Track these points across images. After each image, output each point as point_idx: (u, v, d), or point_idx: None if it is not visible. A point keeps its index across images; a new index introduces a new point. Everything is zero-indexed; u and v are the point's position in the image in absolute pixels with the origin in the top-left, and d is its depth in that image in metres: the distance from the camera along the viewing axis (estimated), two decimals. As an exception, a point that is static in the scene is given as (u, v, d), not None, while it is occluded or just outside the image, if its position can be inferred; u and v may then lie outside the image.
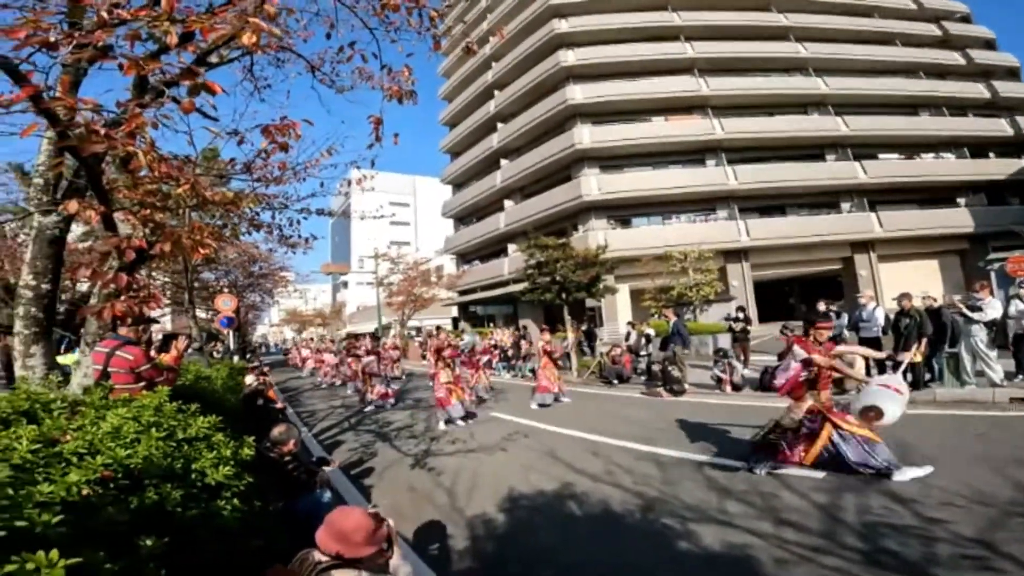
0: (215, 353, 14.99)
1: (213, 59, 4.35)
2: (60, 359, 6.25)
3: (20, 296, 3.95)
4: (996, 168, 27.51)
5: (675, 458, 5.40)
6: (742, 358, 10.30)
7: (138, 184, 3.51)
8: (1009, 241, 21.23)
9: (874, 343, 8.48)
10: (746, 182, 25.63)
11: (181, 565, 1.41)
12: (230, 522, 1.77)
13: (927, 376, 7.80)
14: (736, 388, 9.12)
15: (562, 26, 28.64)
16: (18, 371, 3.86)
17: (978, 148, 28.34)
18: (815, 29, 29.57)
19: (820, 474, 4.44)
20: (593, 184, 25.86)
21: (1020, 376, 7.55)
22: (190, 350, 7.69)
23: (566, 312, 14.48)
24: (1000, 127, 28.42)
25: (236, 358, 14.47)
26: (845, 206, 26.88)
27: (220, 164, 6.66)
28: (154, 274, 12.69)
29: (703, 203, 26.60)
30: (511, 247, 29.61)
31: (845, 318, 9.05)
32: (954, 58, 30.41)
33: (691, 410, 7.86)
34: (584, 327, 18.28)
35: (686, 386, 9.39)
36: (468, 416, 8.26)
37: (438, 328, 11.55)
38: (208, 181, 5.78)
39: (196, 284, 15.22)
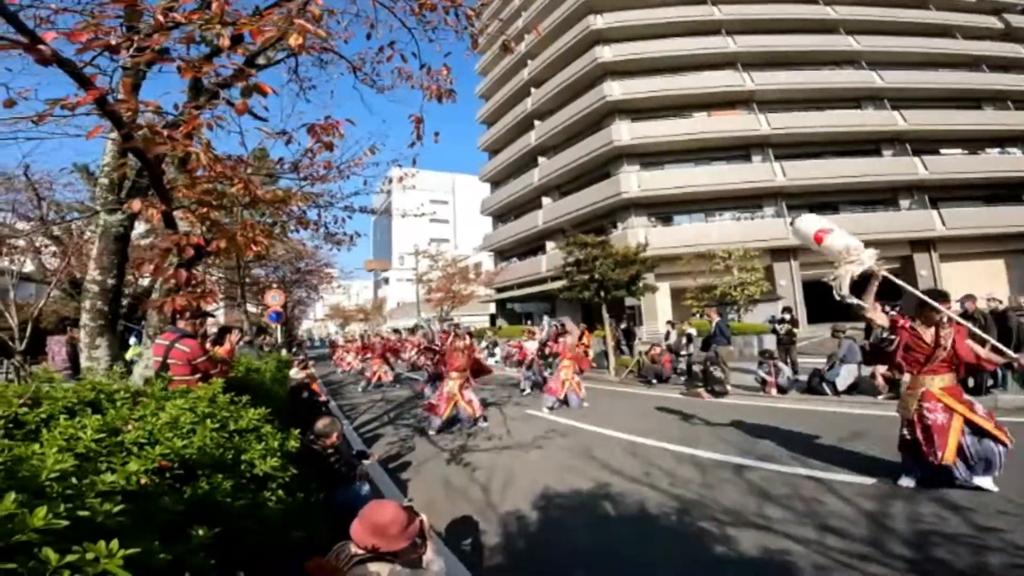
0: (264, 346, 15.64)
1: (260, 61, 4.51)
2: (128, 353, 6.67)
3: (87, 290, 4.23)
4: (1067, 162, 25.39)
5: (715, 460, 5.27)
6: (788, 361, 9.89)
7: (196, 183, 3.69)
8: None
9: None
10: (795, 178, 24.60)
11: (228, 554, 1.47)
12: (274, 513, 1.84)
13: (990, 382, 7.30)
14: (781, 391, 8.80)
15: (597, 22, 28.25)
16: (84, 362, 4.14)
17: (1047, 142, 26.28)
18: (866, 21, 28.21)
19: (870, 480, 4.24)
20: (633, 181, 25.41)
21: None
22: (242, 343, 8.04)
23: (604, 311, 14.32)
24: None
25: (283, 351, 15.04)
26: (904, 203, 25.42)
27: (269, 164, 6.92)
28: (210, 270, 13.31)
29: (748, 200, 25.70)
30: (549, 244, 29.51)
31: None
32: (1017, 51, 28.46)
33: (733, 412, 7.64)
34: (623, 326, 18.03)
35: (728, 387, 9.12)
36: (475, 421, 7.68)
37: (456, 326, 11.44)
38: (259, 180, 6.02)
39: (247, 280, 15.86)
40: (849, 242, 4.16)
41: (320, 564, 1.80)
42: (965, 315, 7.25)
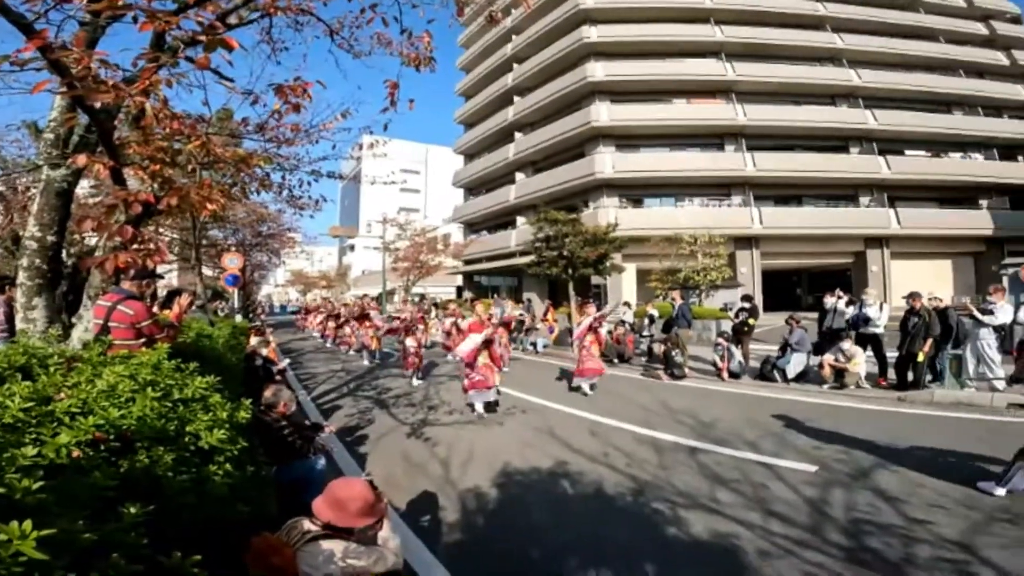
0: (219, 311, 15.10)
1: (232, 20, 4.22)
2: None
3: (25, 247, 3.94)
4: (1024, 171, 26.77)
5: (671, 443, 5.42)
6: (740, 348, 10.05)
7: (149, 140, 3.47)
8: (1027, 246, 20.76)
9: (874, 340, 8.41)
10: (764, 169, 25.14)
11: (166, 533, 1.39)
12: (220, 488, 1.75)
13: (929, 376, 7.74)
14: (734, 376, 9.09)
15: (587, 1, 27.80)
16: (19, 324, 3.88)
17: (1008, 150, 27.47)
18: (853, 20, 28.53)
19: (813, 468, 4.44)
20: (607, 162, 25.51)
21: (1021, 382, 7.49)
22: (194, 307, 7.72)
23: (571, 288, 14.42)
24: None
25: (239, 317, 14.58)
26: (864, 200, 26.36)
27: (233, 124, 6.61)
28: (161, 230, 12.69)
29: (718, 188, 26.21)
30: (520, 220, 29.46)
31: (851, 311, 8.94)
32: (997, 58, 29.31)
33: (689, 395, 7.88)
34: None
35: (686, 371, 9.38)
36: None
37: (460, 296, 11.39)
38: (221, 140, 5.73)
39: (204, 241, 15.22)
40: None
41: (267, 540, 1.73)
42: (911, 311, 7.65)
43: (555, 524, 3.60)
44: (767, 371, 8.90)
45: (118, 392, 2.05)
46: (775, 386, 8.49)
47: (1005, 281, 14.09)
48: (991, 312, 7.32)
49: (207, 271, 17.72)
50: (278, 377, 5.92)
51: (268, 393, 3.67)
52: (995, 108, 28.39)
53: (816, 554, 3.02)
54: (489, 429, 6.12)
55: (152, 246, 3.09)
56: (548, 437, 5.73)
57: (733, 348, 9.33)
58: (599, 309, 8.93)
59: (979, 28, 30.26)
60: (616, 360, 11.42)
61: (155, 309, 4.43)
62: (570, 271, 13.90)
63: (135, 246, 2.80)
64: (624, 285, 24.15)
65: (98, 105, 2.69)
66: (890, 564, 2.88)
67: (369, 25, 4.36)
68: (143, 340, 3.36)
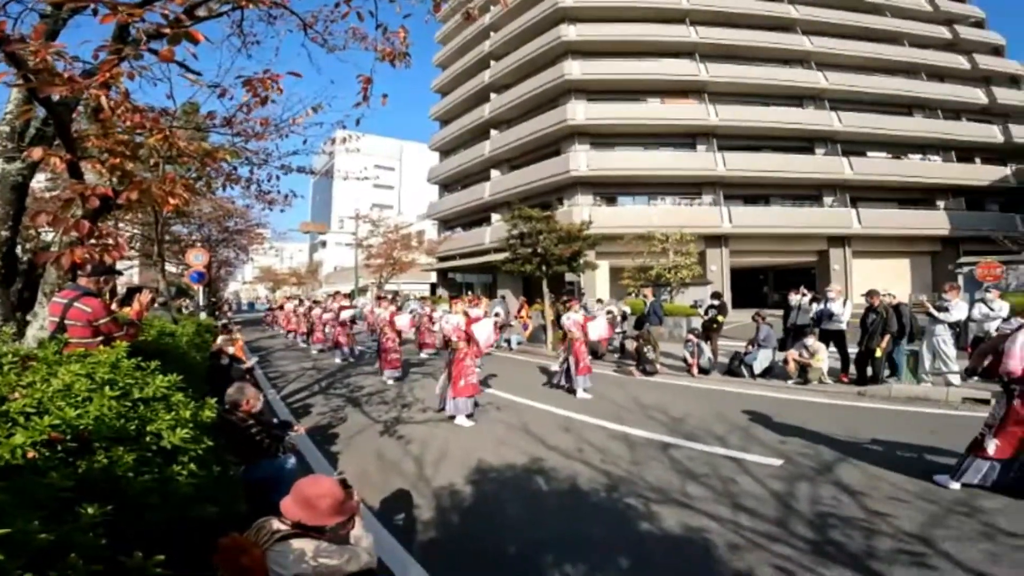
0: (183, 309, 14.64)
1: (201, 12, 4.09)
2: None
3: (-24, 242, 3.75)
4: (980, 174, 27.95)
5: (644, 438, 5.51)
6: (709, 344, 10.29)
7: (109, 133, 3.36)
8: (981, 246, 21.73)
9: (838, 336, 8.72)
10: (734, 169, 25.71)
11: (127, 533, 1.35)
12: (184, 488, 1.71)
13: (887, 372, 8.07)
14: (703, 371, 9.30)
15: (566, 0, 27.91)
16: (-30, 320, 3.69)
17: (966, 152, 28.66)
18: (822, 23, 29.23)
19: (778, 461, 4.58)
20: (582, 160, 25.72)
21: (975, 377, 7.84)
22: (156, 304, 7.47)
23: (545, 285, 14.49)
24: (991, 133, 28.63)
25: (203, 315, 14.16)
26: (828, 200, 27.21)
27: (199, 118, 6.42)
28: (122, 225, 12.23)
29: (689, 187, 26.68)
30: (494, 217, 29.43)
31: (815, 308, 9.25)
32: (958, 61, 30.31)
33: (661, 391, 8.02)
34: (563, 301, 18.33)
35: (658, 367, 9.54)
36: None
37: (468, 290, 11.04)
38: (186, 134, 5.56)
39: (167, 237, 14.73)
40: None
41: (235, 540, 1.69)
42: (870, 308, 7.96)
43: (530, 521, 3.62)
44: (735, 367, 9.13)
45: (75, 391, 1.98)
46: (743, 381, 8.71)
47: (960, 280, 14.76)
48: (946, 309, 7.63)
49: (171, 268, 17.16)
50: (246, 376, 5.78)
51: (232, 391, 3.59)
52: (954, 111, 29.53)
53: (783, 547, 3.10)
54: (463, 426, 6.10)
55: (111, 241, 3.00)
56: (522, 434, 5.76)
57: (703, 344, 9.54)
58: (571, 308, 8.96)
59: (943, 32, 31.17)
60: (590, 357, 11.51)
61: (115, 306, 4.28)
62: (544, 268, 13.96)
63: (92, 241, 2.71)
64: (598, 282, 24.40)
65: (56, 97, 2.60)
66: (853, 557, 2.97)
67: (344, 19, 4.30)
68: (101, 338, 3.24)
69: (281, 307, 23.41)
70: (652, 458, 4.85)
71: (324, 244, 67.33)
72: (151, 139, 3.27)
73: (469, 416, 6.27)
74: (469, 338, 6.51)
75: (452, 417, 6.26)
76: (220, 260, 24.63)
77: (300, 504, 1.88)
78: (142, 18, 2.68)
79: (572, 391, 7.91)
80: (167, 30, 2.30)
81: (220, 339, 7.33)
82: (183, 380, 2.57)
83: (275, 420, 4.49)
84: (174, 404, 2.25)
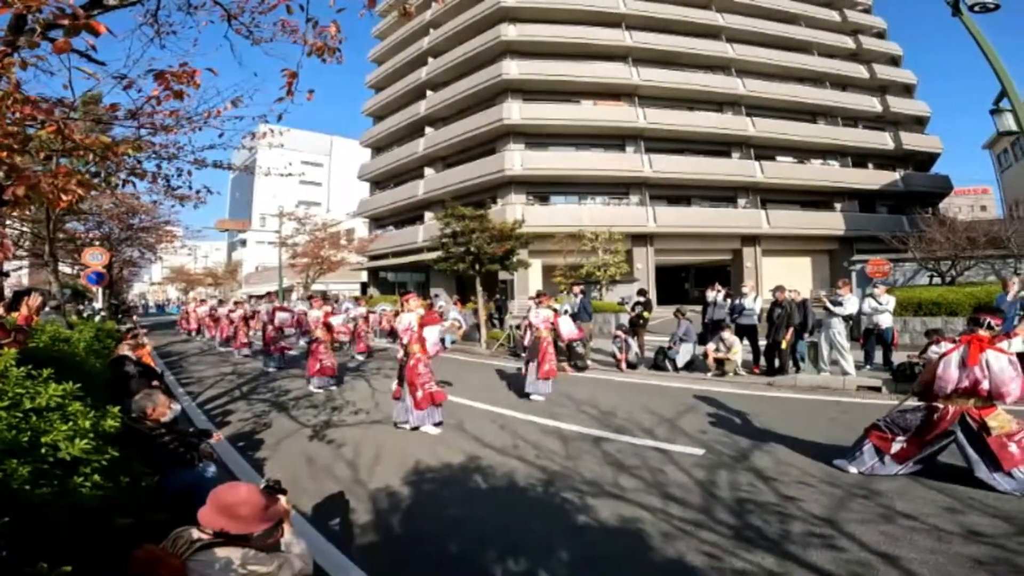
0: (82, 312, 13.25)
1: (112, 1, 3.71)
2: None
3: None
4: (872, 178, 30.82)
5: (576, 433, 5.65)
6: (636, 339, 10.73)
7: (-4, 126, 3.00)
8: (872, 245, 23.98)
9: (750, 330, 9.42)
10: (659, 170, 26.88)
11: (28, 547, 1.23)
12: (89, 500, 1.58)
13: (792, 363, 8.77)
14: (631, 366, 9.71)
15: (508, 0, 28.05)
16: None
17: (860, 158, 31.50)
18: (744, 31, 30.76)
19: (700, 451, 4.84)
20: (516, 159, 25.99)
21: (867, 366, 8.72)
22: (47, 308, 6.73)
23: (478, 283, 14.52)
24: (883, 140, 31.47)
25: (99, 317, 12.90)
26: (741, 201, 29.09)
27: (101, 110, 5.82)
28: (8, 222, 10.90)
29: (618, 187, 27.66)
30: (428, 215, 29.00)
31: (729, 303, 9.93)
32: (859, 71, 32.80)
33: (592, 386, 8.28)
34: (496, 299, 18.47)
35: (588, 362, 9.84)
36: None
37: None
38: (85, 126, 5.03)
39: (61, 235, 13.27)
40: None
41: (150, 551, 1.58)
42: (776, 303, 8.65)
43: (470, 517, 3.63)
44: (660, 361, 9.60)
45: (-45, 403, 1.76)
46: (667, 375, 9.17)
47: (853, 276, 16.29)
48: (840, 304, 8.42)
49: (65, 268, 15.53)
50: (155, 383, 5.33)
51: (139, 398, 3.33)
52: (853, 119, 32.23)
53: (710, 533, 3.27)
54: (397, 428, 5.98)
55: (-5, 241, 2.70)
56: (457, 432, 5.74)
57: (630, 340, 9.95)
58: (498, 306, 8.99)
59: (848, 42, 33.57)
60: (523, 354, 11.67)
61: (0, 311, 3.82)
62: (477, 267, 13.98)
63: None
64: (531, 281, 24.79)
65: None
66: (771, 541, 3.16)
67: (272, 11, 4.06)
68: (-16, 345, 2.88)
69: (196, 309, 21.84)
70: (586, 452, 4.99)
71: (244, 243, 63.25)
72: (43, 132, 2.97)
73: (437, 424, 5.82)
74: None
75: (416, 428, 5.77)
76: (123, 260, 22.59)
77: (219, 513, 1.77)
78: (40, 9, 2.43)
79: (527, 395, 7.47)
80: (64, 20, 2.11)
81: (124, 345, 6.72)
82: (81, 389, 2.37)
83: (192, 428, 4.19)
84: (71, 414, 2.06)
